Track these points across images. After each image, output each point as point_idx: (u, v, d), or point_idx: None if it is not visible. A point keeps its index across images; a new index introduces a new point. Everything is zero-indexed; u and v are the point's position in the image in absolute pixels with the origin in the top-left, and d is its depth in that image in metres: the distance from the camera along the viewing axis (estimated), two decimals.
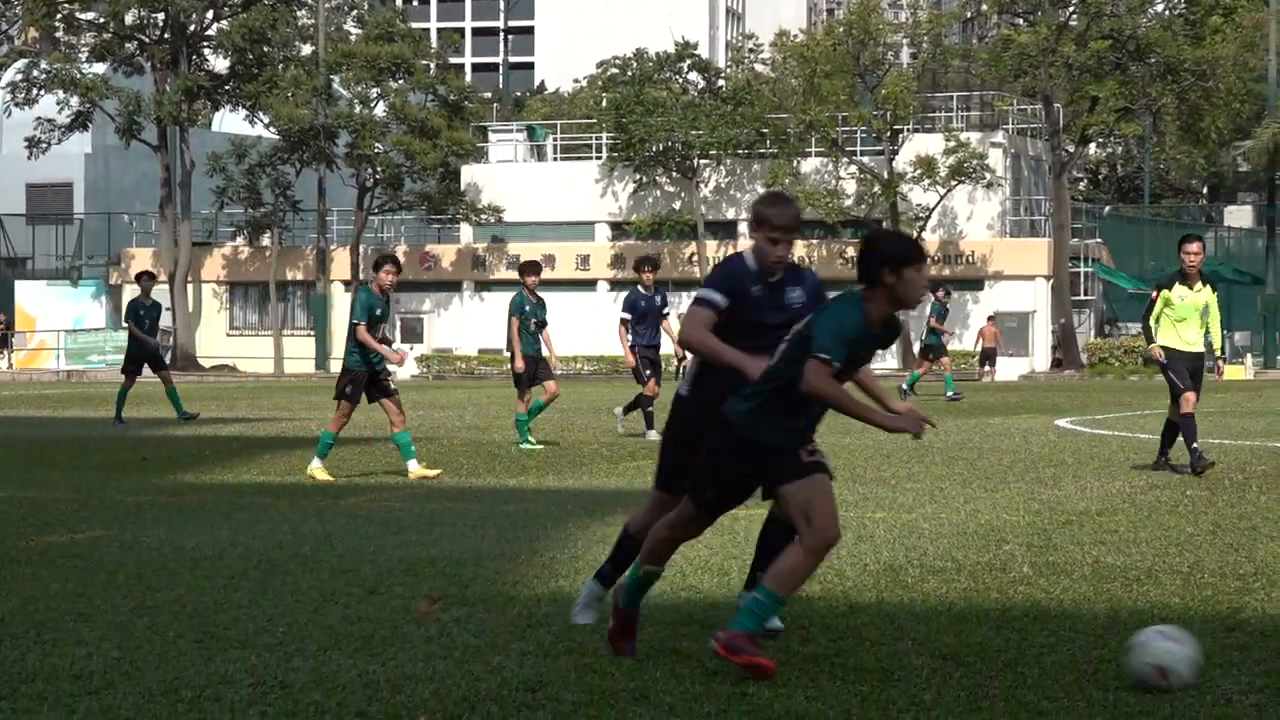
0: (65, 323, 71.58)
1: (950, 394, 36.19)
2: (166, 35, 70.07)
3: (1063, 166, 65.35)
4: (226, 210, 71.65)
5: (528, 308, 21.35)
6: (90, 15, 71.44)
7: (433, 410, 32.32)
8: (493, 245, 70.51)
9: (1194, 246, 17.18)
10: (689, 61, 71.01)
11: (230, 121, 78.90)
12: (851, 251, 65.17)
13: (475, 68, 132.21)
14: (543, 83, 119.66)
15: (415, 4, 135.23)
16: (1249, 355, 62.20)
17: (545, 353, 21.44)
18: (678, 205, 68.65)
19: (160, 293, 30.16)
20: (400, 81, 70.07)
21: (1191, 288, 17.17)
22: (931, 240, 64.82)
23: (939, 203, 65.17)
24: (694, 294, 8.18)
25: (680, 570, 9.76)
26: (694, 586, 9.49)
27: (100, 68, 71.13)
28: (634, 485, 15.98)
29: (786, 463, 7.22)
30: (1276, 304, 65.70)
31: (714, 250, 67.59)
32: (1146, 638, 7.00)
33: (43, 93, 68.78)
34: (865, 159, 66.81)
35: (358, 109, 69.69)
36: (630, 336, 22.31)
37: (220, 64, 72.68)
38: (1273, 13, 65.32)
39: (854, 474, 16.64)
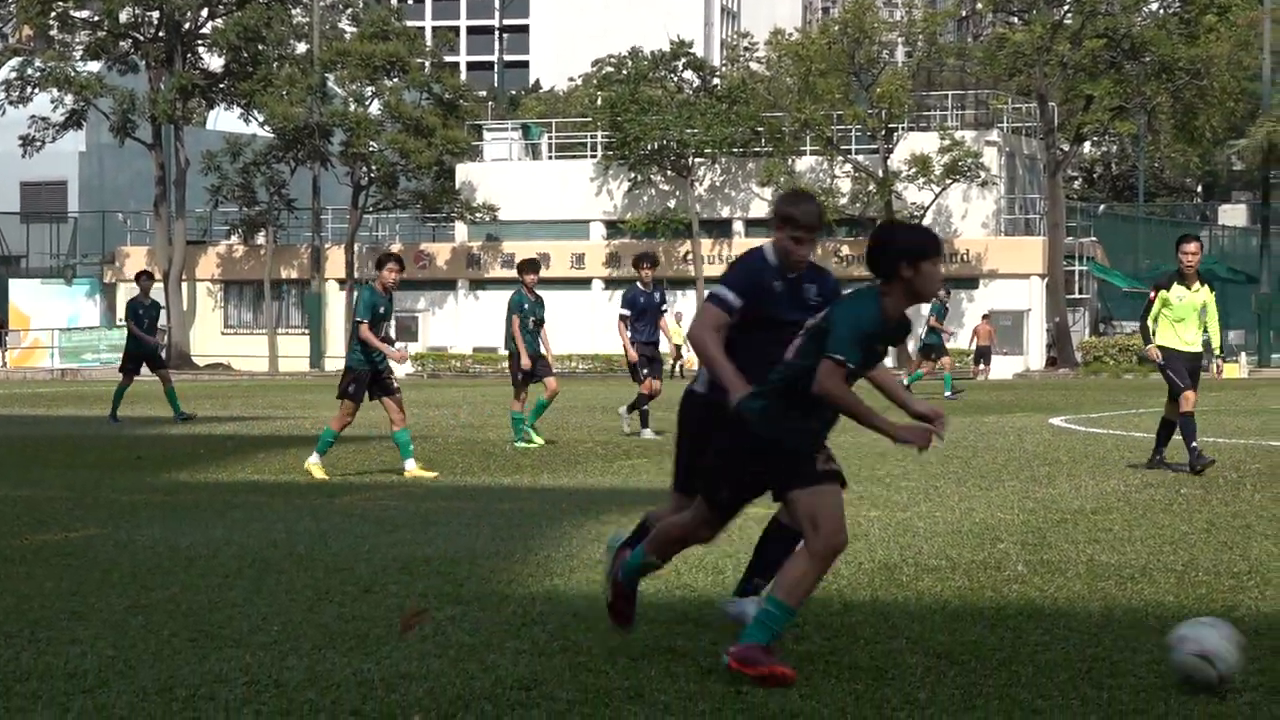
0: (59, 321, 71.57)
1: (949, 394, 36.21)
2: (161, 33, 70.06)
3: (1057, 165, 65.37)
4: (221, 209, 71.63)
5: (526, 306, 21.40)
6: (85, 13, 71.42)
7: (427, 409, 32.31)
8: (487, 244, 70.51)
9: (1192, 246, 17.18)
10: (684, 60, 71.01)
11: (225, 120, 78.92)
12: (847, 250, 65.21)
13: (470, 66, 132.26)
14: (538, 81, 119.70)
15: (410, 2, 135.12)
16: (1243, 354, 62.25)
17: (543, 351, 21.53)
18: (672, 204, 68.66)
19: (155, 291, 30.16)
20: (395, 80, 70.05)
21: (1189, 288, 17.18)
22: None
23: (934, 201, 65.20)
24: (709, 290, 8.09)
25: (675, 569, 9.75)
26: (689, 585, 9.49)
27: (95, 66, 71.10)
28: (629, 484, 15.99)
29: (801, 467, 7.12)
30: (1270, 303, 65.74)
31: (709, 249, 67.60)
32: (1185, 630, 6.93)
33: (37, 91, 68.75)
34: (860, 158, 66.83)
35: (353, 107, 69.68)
36: (629, 333, 22.34)
37: (215, 62, 72.68)
38: (1267, 11, 65.36)
39: (849, 472, 16.54)
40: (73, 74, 68.41)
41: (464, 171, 70.89)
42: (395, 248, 69.50)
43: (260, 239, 72.05)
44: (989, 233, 66.75)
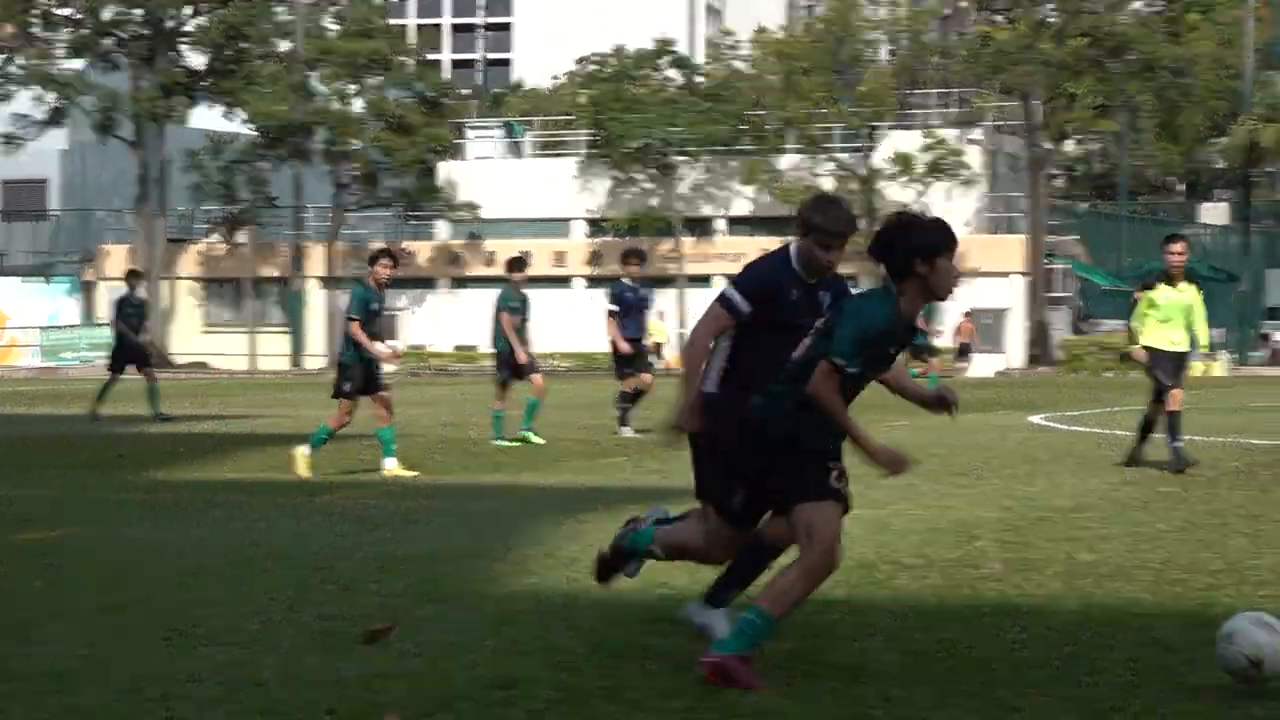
0: (39, 319, 71.37)
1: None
2: (144, 31, 69.88)
3: (1040, 164, 65.46)
4: (202, 207, 71.49)
5: (514, 304, 21.47)
6: (67, 11, 71.21)
7: (408, 407, 32.23)
8: (469, 242, 70.44)
9: (1178, 246, 17.18)
10: (668, 58, 71.01)
11: (207, 118, 78.74)
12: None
13: (454, 64, 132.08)
14: (521, 79, 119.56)
15: (394, 0, 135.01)
16: (1223, 352, 62.37)
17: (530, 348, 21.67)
18: (655, 202, 68.66)
19: (140, 289, 30.17)
20: (378, 78, 69.96)
21: (1175, 287, 17.20)
22: None
23: (916, 200, 65.26)
24: (720, 290, 7.81)
25: (653, 567, 9.76)
26: (666, 584, 9.49)
27: (77, 63, 70.91)
28: (610, 482, 15.98)
29: (810, 477, 6.91)
30: (1251, 301, 65.89)
31: (691, 247, 67.59)
32: (1240, 625, 6.84)
33: (18, 89, 68.56)
34: (843, 156, 66.86)
35: (335, 105, 69.57)
36: (618, 328, 22.40)
37: (198, 60, 72.50)
38: (1250, 10, 65.50)
39: None
40: (54, 73, 68.22)
41: (446, 169, 70.83)
42: (377, 246, 69.36)
43: (241, 237, 71.91)
44: (971, 231, 66.77)
